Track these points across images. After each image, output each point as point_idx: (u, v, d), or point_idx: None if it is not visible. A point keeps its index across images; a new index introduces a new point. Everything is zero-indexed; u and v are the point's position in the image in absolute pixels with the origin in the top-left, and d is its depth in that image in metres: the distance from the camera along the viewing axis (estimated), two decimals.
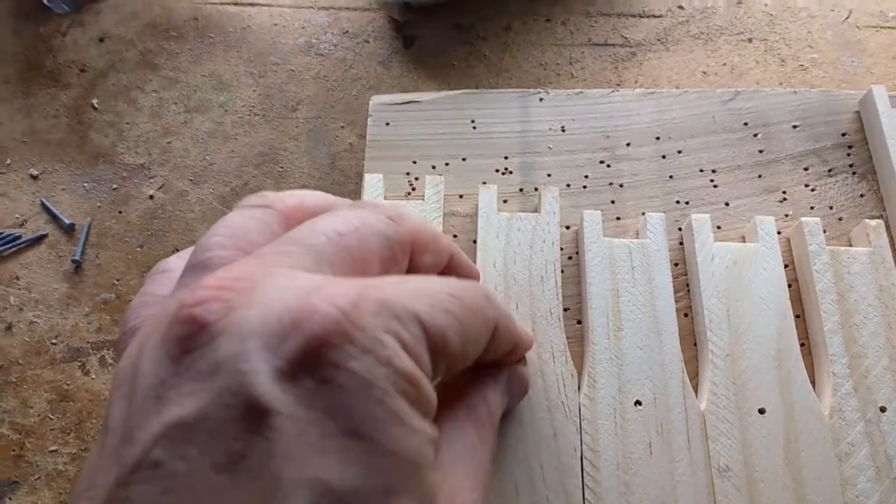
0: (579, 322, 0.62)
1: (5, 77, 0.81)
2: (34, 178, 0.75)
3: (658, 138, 0.72)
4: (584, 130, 0.72)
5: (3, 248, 0.70)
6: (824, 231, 0.64)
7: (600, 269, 0.62)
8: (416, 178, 0.70)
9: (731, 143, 0.71)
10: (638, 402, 0.56)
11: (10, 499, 0.60)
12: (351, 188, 0.75)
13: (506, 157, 0.71)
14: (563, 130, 0.72)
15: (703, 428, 0.55)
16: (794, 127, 0.72)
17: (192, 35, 0.83)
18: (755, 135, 0.72)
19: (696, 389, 0.58)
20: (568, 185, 0.69)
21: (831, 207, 0.68)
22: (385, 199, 0.67)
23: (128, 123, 0.77)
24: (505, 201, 0.69)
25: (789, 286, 0.62)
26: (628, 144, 0.71)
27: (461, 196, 0.69)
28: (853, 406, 0.56)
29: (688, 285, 0.64)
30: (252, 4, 0.85)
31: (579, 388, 0.57)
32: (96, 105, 0.79)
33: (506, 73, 0.81)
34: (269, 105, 0.79)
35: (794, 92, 0.74)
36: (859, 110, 0.73)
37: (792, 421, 0.55)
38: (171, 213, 0.73)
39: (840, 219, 0.68)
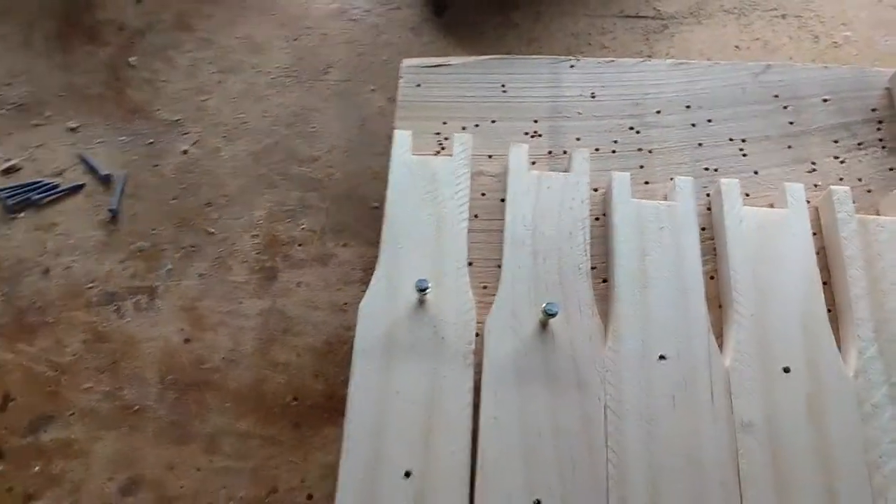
0: (605, 281, 0.63)
1: (45, 34, 0.82)
2: (72, 130, 0.76)
3: (688, 107, 0.72)
4: (615, 97, 0.73)
5: (42, 196, 0.72)
6: (853, 201, 0.64)
7: (628, 229, 0.62)
8: (446, 138, 0.71)
9: (761, 114, 0.71)
10: (662, 357, 0.57)
11: (45, 431, 0.62)
12: (380, 150, 0.76)
13: (535, 121, 0.72)
14: (594, 97, 0.73)
15: (727, 384, 0.55)
16: (825, 101, 0.72)
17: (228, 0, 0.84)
18: (785, 107, 0.72)
19: (721, 348, 0.58)
20: (597, 149, 0.70)
21: (860, 179, 0.68)
22: (413, 155, 0.68)
23: (163, 81, 0.79)
24: (533, 163, 0.69)
25: (817, 254, 0.62)
26: (658, 112, 0.72)
27: (490, 157, 0.70)
28: (878, 369, 0.56)
29: (715, 249, 0.64)
30: None
31: (605, 342, 0.58)
32: (133, 63, 0.80)
33: (537, 43, 0.82)
34: (301, 68, 0.80)
35: (826, 67, 0.74)
36: (890, 87, 0.73)
37: (817, 381, 0.55)
38: (205, 167, 0.74)
39: (869, 190, 0.68)
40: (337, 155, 0.75)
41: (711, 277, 0.63)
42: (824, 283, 0.62)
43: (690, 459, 0.53)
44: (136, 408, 0.63)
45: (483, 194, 0.68)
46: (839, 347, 0.58)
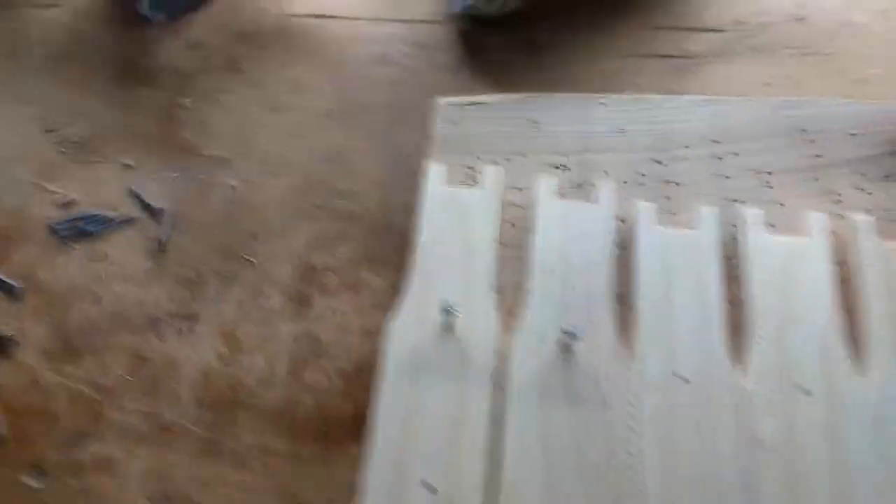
0: (630, 306, 0.64)
1: (107, 78, 0.88)
2: (127, 167, 0.81)
3: (715, 141, 0.73)
4: (643, 132, 0.74)
5: (97, 228, 0.76)
6: (874, 229, 0.64)
7: (652, 257, 0.63)
8: (479, 172, 0.73)
9: (787, 147, 0.72)
10: (685, 379, 0.57)
11: (84, 449, 0.65)
12: (414, 185, 0.78)
13: (565, 156, 0.74)
14: (622, 132, 0.75)
15: (748, 406, 0.56)
16: (852, 135, 0.73)
17: (276, 44, 0.89)
18: (812, 140, 0.73)
19: (741, 371, 0.58)
20: (625, 182, 0.71)
21: (886, 210, 0.68)
22: (445, 188, 0.70)
23: (214, 121, 0.83)
24: (562, 195, 0.71)
25: (842, 282, 0.62)
26: (686, 147, 0.73)
27: (520, 189, 0.72)
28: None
29: (738, 277, 0.64)
30: (333, 17, 0.91)
31: (628, 365, 0.58)
32: (186, 104, 0.85)
33: (568, 83, 0.84)
34: (343, 108, 0.84)
35: (853, 101, 0.75)
36: None
37: (837, 404, 0.55)
38: (249, 201, 0.78)
39: (891, 221, 0.68)
40: (373, 189, 0.77)
41: (732, 302, 0.63)
42: (847, 312, 0.62)
43: (710, 480, 0.53)
44: (174, 428, 0.66)
45: (512, 225, 0.70)
46: (860, 371, 0.58)
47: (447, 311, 0.59)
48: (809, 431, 0.54)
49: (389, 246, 0.74)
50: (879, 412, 0.55)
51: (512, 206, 0.71)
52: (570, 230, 0.65)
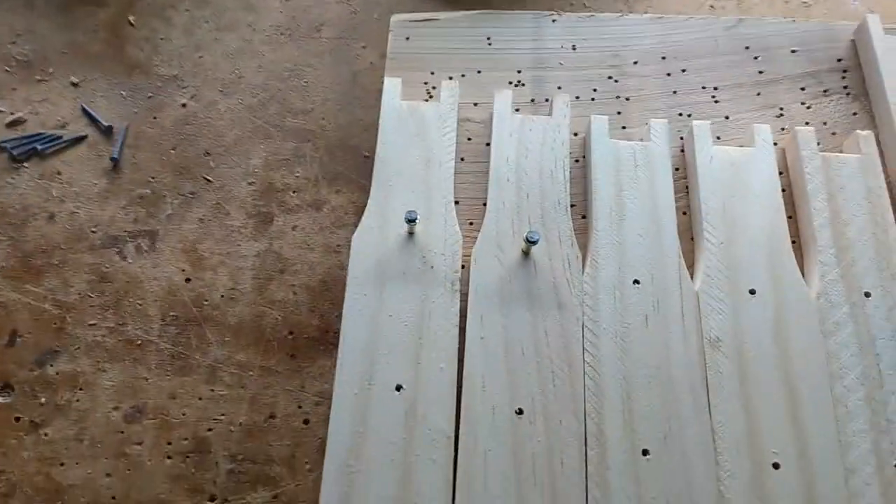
0: (584, 217, 0.65)
1: None
2: (75, 85, 0.78)
3: (664, 58, 0.75)
4: (594, 49, 0.75)
5: (46, 146, 0.74)
6: (818, 143, 0.67)
7: (605, 167, 0.65)
8: (434, 87, 0.73)
9: (732, 64, 0.74)
10: (636, 281, 0.59)
11: (51, 365, 0.64)
12: (370, 103, 0.78)
13: (518, 72, 0.74)
14: (574, 49, 0.75)
15: (697, 305, 0.58)
16: (793, 52, 0.75)
17: None
18: (756, 57, 0.75)
19: (692, 276, 0.61)
20: (577, 98, 0.72)
21: (825, 123, 0.71)
22: (402, 101, 0.70)
23: (162, 39, 0.81)
24: (517, 110, 0.72)
25: (783, 190, 0.65)
26: (635, 63, 0.75)
27: (475, 104, 0.73)
28: (839, 290, 0.59)
29: (687, 187, 0.67)
30: None
31: (583, 269, 0.60)
32: (132, 21, 0.82)
33: (520, 3, 0.84)
34: (294, 25, 0.82)
35: (794, 21, 0.77)
36: (854, 38, 0.76)
37: (781, 301, 0.58)
38: (202, 120, 0.76)
39: (833, 133, 0.71)
40: (329, 108, 0.77)
41: (684, 213, 0.66)
42: (790, 217, 0.65)
43: (662, 373, 0.56)
44: (139, 342, 0.66)
45: (469, 139, 0.71)
46: (802, 272, 0.61)
47: (409, 220, 0.60)
48: (755, 330, 0.57)
49: (348, 164, 0.74)
50: (822, 314, 0.58)
51: (468, 122, 0.71)
52: (525, 143, 0.66)
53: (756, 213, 0.62)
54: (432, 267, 0.60)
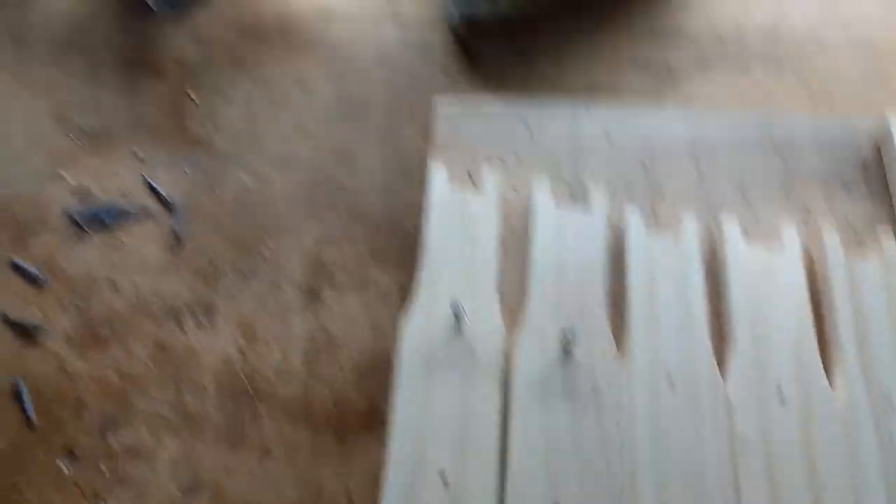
0: (621, 307, 0.69)
1: (114, 67, 0.89)
2: (138, 158, 0.83)
3: (694, 151, 0.78)
4: (628, 140, 0.79)
5: (111, 217, 0.78)
6: (841, 239, 0.70)
7: (640, 264, 0.68)
8: (475, 172, 0.77)
9: (759, 160, 0.78)
10: (670, 379, 0.63)
11: (113, 435, 0.68)
12: (415, 183, 0.82)
13: (555, 158, 0.78)
14: (609, 139, 0.79)
15: (728, 405, 0.62)
16: (817, 149, 0.79)
17: (278, 40, 0.91)
18: (781, 154, 0.78)
19: (722, 373, 0.64)
20: (612, 187, 0.76)
21: (848, 220, 0.75)
22: (447, 188, 0.74)
23: (221, 115, 0.85)
24: (555, 197, 0.75)
25: (809, 290, 0.68)
26: (667, 155, 0.78)
27: (515, 190, 0.76)
28: (862, 391, 0.62)
29: (718, 283, 0.70)
30: (333, 16, 0.93)
31: (619, 365, 0.64)
32: (193, 97, 0.87)
33: (557, 87, 0.88)
34: (345, 106, 0.86)
35: (819, 119, 0.81)
36: (876, 138, 0.79)
37: (807, 403, 0.62)
38: (259, 196, 0.81)
39: (855, 231, 0.74)
40: (376, 186, 0.81)
41: (714, 310, 0.69)
42: (815, 317, 0.68)
43: (694, 470, 0.59)
44: (196, 414, 0.69)
45: (509, 224, 0.74)
46: (827, 374, 0.64)
47: (456, 311, 0.63)
48: (783, 431, 0.61)
49: (393, 243, 0.78)
50: (847, 419, 0.61)
51: (508, 206, 0.75)
52: (565, 235, 0.70)
53: (783, 314, 0.66)
54: (477, 358, 0.63)
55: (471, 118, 0.80)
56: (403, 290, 0.75)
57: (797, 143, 0.78)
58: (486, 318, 0.66)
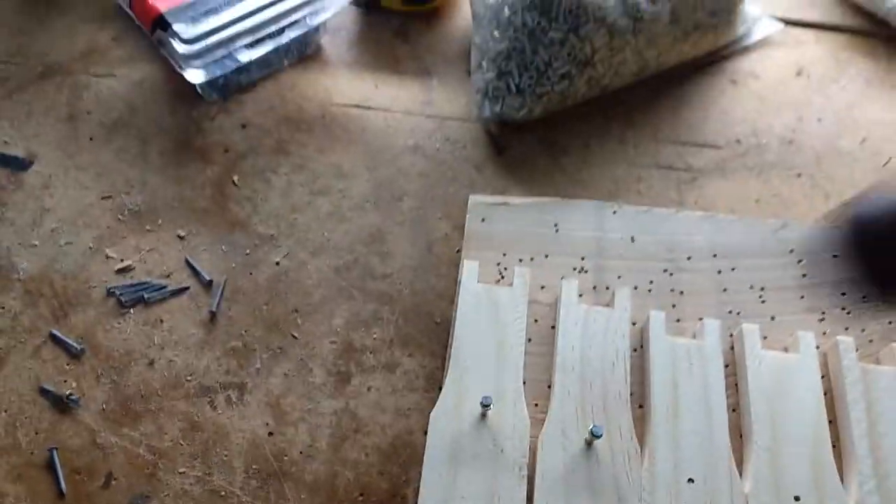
0: (641, 406, 0.70)
1: (161, 150, 0.93)
2: (181, 238, 0.86)
3: (715, 255, 0.81)
4: (651, 242, 0.82)
5: (151, 295, 0.81)
6: (856, 349, 0.72)
7: (662, 363, 0.70)
8: (505, 269, 0.80)
9: (778, 265, 0.80)
10: (690, 480, 0.64)
11: None
12: (443, 271, 0.84)
13: (582, 258, 0.81)
14: (633, 241, 0.82)
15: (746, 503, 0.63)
16: (835, 257, 0.81)
17: (319, 129, 0.95)
18: (799, 261, 0.81)
19: (741, 474, 0.65)
20: (636, 288, 0.79)
21: (863, 330, 0.77)
22: (478, 283, 0.77)
23: (262, 199, 0.89)
24: (580, 295, 0.78)
25: (825, 394, 0.70)
26: (689, 258, 0.81)
27: (543, 287, 0.79)
28: (875, 501, 0.63)
29: (737, 385, 0.72)
30: (371, 108, 0.98)
31: (641, 462, 0.65)
32: (236, 181, 0.91)
33: (582, 185, 0.92)
34: (379, 194, 0.90)
35: (837, 227, 0.83)
36: None
37: None
38: (293, 278, 0.83)
39: (871, 340, 0.76)
40: (406, 273, 0.84)
41: (734, 410, 0.71)
42: (830, 421, 0.69)
43: None
44: (223, 493, 0.70)
45: (536, 321, 0.77)
46: (842, 478, 0.65)
47: (484, 405, 0.65)
48: None
49: (420, 329, 0.80)
50: None
51: (536, 303, 0.77)
52: (589, 333, 0.72)
53: (800, 419, 0.67)
54: (502, 451, 0.65)
55: (502, 217, 0.84)
56: (429, 376, 0.77)
57: (815, 251, 0.81)
58: (511, 411, 0.67)
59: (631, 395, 0.70)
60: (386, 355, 0.78)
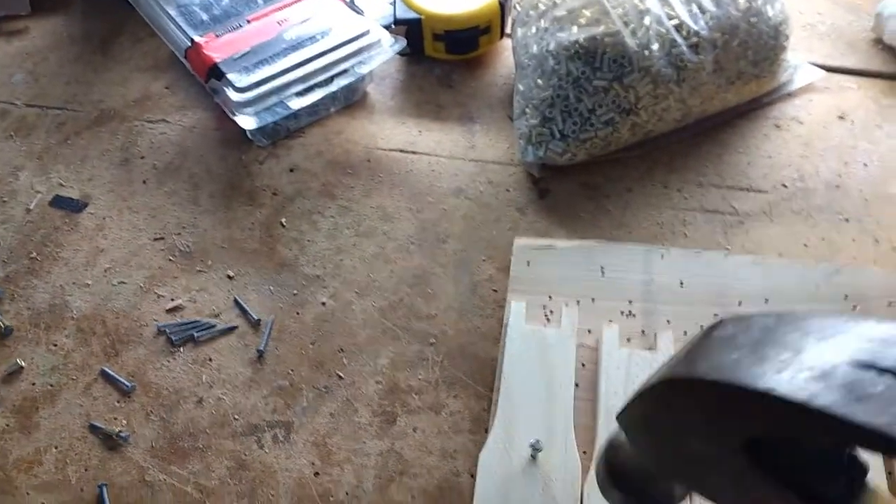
0: None
1: (212, 193, 0.94)
2: (230, 278, 0.86)
3: (767, 301, 0.79)
4: (701, 286, 0.80)
5: (201, 333, 0.81)
6: None
7: None
8: (551, 311, 0.79)
9: (831, 311, 0.78)
10: None
11: None
12: (488, 312, 0.83)
13: (630, 302, 0.79)
14: (682, 285, 0.80)
15: None
16: (889, 304, 0.79)
17: (365, 173, 0.96)
18: (854, 307, 0.78)
19: None
20: (685, 333, 0.77)
21: None
22: (526, 325, 0.76)
23: (308, 241, 0.89)
24: (629, 339, 0.76)
25: None
26: (740, 303, 0.79)
27: (589, 331, 0.77)
28: None
29: None
30: (415, 153, 0.98)
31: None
32: (284, 223, 0.91)
33: (626, 228, 0.90)
34: (423, 236, 0.90)
35: (892, 272, 0.81)
36: None
37: None
38: (339, 318, 0.83)
39: None
40: (451, 315, 0.83)
41: None
42: None
43: None
44: None
45: (583, 365, 0.75)
46: None
47: (534, 449, 0.63)
48: None
49: (465, 370, 0.79)
50: None
51: (582, 348, 0.76)
52: (633, 377, 0.70)
53: None
54: (553, 497, 0.63)
55: (548, 260, 0.83)
56: (475, 418, 0.75)
57: (869, 297, 0.79)
58: (561, 454, 0.65)
59: None
60: (431, 396, 0.77)
